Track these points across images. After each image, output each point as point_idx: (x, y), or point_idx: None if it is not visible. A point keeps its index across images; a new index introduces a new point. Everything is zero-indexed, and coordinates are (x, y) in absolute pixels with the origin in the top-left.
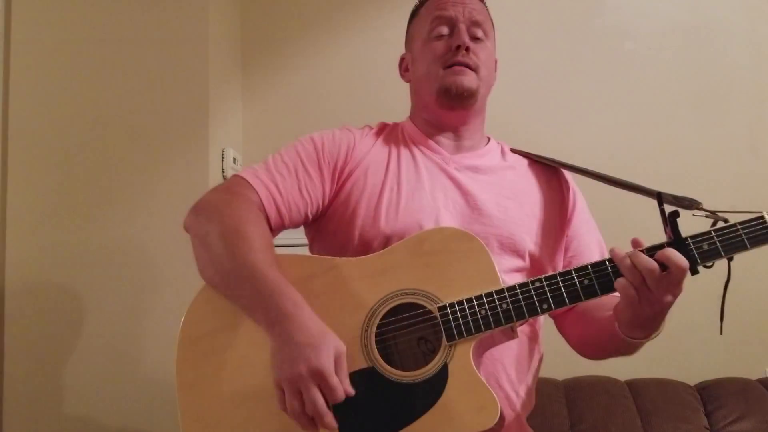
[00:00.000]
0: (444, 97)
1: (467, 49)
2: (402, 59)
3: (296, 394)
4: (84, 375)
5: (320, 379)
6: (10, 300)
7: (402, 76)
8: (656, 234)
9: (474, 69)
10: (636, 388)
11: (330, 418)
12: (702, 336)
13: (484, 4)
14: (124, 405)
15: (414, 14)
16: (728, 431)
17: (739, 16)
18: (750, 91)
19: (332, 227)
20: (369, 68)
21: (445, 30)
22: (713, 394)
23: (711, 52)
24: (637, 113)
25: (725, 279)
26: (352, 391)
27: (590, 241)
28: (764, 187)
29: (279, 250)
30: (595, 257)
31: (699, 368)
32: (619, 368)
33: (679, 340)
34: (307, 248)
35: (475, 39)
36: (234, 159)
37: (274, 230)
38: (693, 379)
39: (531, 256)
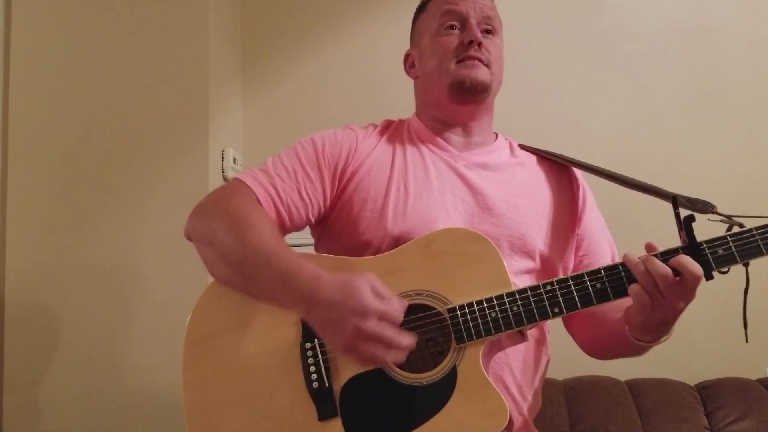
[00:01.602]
0: (457, 91)
1: (479, 44)
2: (408, 55)
3: (366, 342)
4: (82, 374)
5: (374, 313)
6: (10, 304)
7: (407, 72)
8: (662, 233)
9: (486, 64)
10: (636, 388)
11: (407, 336)
12: (702, 336)
13: (492, 1)
14: (125, 408)
15: (421, 9)
16: (728, 431)
17: (739, 16)
18: (750, 91)
19: (337, 229)
20: (369, 67)
21: (456, 24)
22: (713, 394)
23: (711, 52)
24: (636, 113)
25: (744, 285)
26: (405, 303)
27: (601, 240)
28: (764, 186)
29: None
30: (606, 256)
31: (699, 368)
32: (619, 368)
33: (679, 340)
34: (311, 248)
35: (486, 34)
36: (234, 159)
37: None
38: (693, 379)
39: (541, 256)
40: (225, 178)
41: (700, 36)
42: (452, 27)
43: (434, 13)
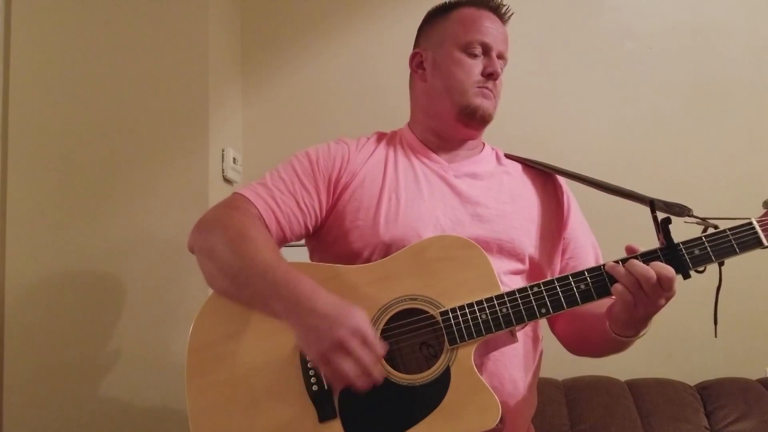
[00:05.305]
0: (466, 116)
1: (495, 78)
2: (417, 54)
3: (343, 357)
4: (83, 375)
5: (361, 336)
6: (10, 304)
7: (413, 70)
8: (642, 235)
9: (495, 97)
10: (636, 388)
11: (380, 368)
12: (702, 336)
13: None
14: (126, 409)
15: (441, 12)
16: (728, 431)
17: (739, 16)
18: (750, 91)
19: (331, 238)
20: (369, 68)
21: (479, 50)
22: (713, 394)
23: (711, 52)
24: (637, 113)
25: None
26: (386, 346)
27: (586, 244)
28: (764, 186)
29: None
30: (591, 259)
31: (699, 368)
32: (619, 368)
33: (679, 341)
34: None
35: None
36: (234, 159)
37: (277, 243)
38: (693, 379)
39: (530, 259)
40: (225, 178)
41: (700, 36)
42: (476, 54)
43: (460, 28)
